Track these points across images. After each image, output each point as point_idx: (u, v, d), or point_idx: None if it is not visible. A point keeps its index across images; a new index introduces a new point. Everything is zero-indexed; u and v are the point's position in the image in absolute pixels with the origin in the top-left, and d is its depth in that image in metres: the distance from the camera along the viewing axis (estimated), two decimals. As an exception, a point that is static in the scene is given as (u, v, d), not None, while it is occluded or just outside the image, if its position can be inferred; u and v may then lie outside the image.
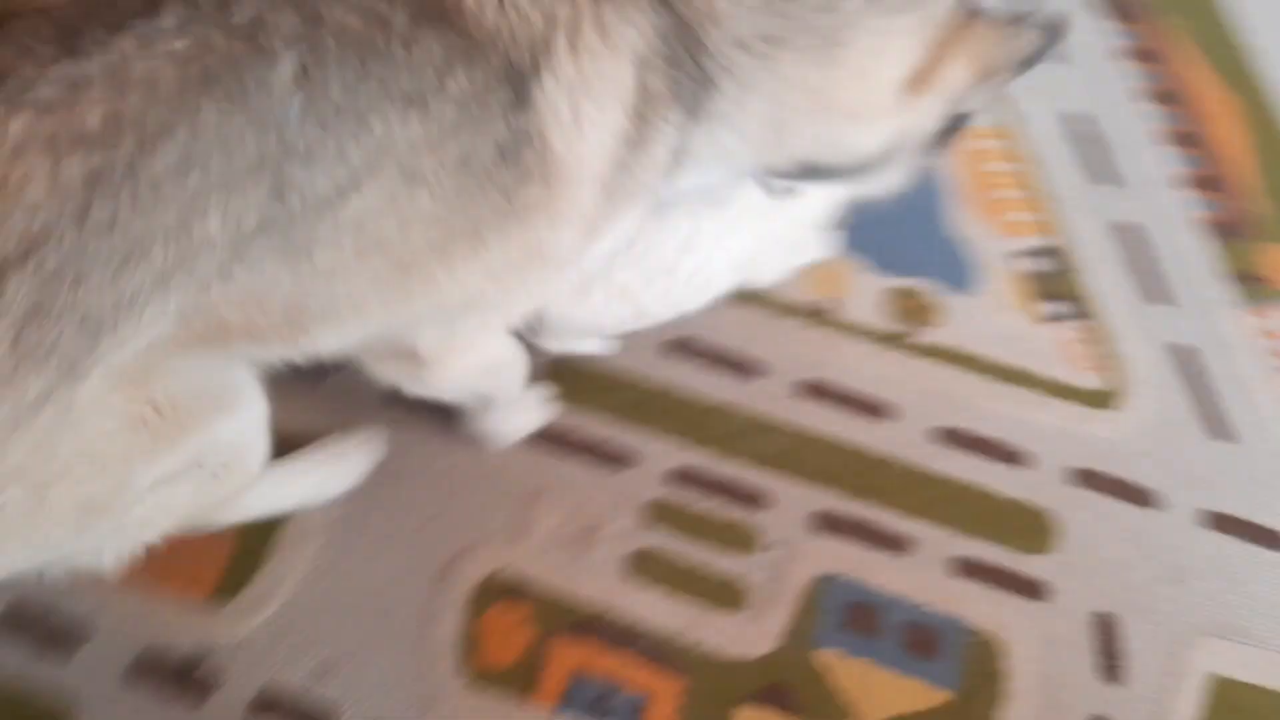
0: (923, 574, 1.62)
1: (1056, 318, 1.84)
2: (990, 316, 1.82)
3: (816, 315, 1.77)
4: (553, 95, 1.08)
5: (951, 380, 1.76)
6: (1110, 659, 1.60)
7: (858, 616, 1.58)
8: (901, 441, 1.71)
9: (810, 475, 1.66)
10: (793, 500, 1.64)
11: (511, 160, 1.09)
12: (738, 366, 1.72)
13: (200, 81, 0.92)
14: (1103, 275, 1.89)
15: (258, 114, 0.94)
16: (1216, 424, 1.80)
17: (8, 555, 1.10)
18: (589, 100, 1.09)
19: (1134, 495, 1.72)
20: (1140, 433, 1.77)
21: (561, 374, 1.67)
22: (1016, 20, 1.27)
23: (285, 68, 0.95)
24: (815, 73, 1.22)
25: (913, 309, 1.80)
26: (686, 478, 1.64)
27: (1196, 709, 1.58)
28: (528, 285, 1.25)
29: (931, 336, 1.79)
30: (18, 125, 0.86)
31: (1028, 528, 1.68)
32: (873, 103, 1.27)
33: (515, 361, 1.48)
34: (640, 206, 1.29)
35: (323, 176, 0.99)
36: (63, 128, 0.87)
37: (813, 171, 1.36)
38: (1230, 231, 1.97)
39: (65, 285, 0.88)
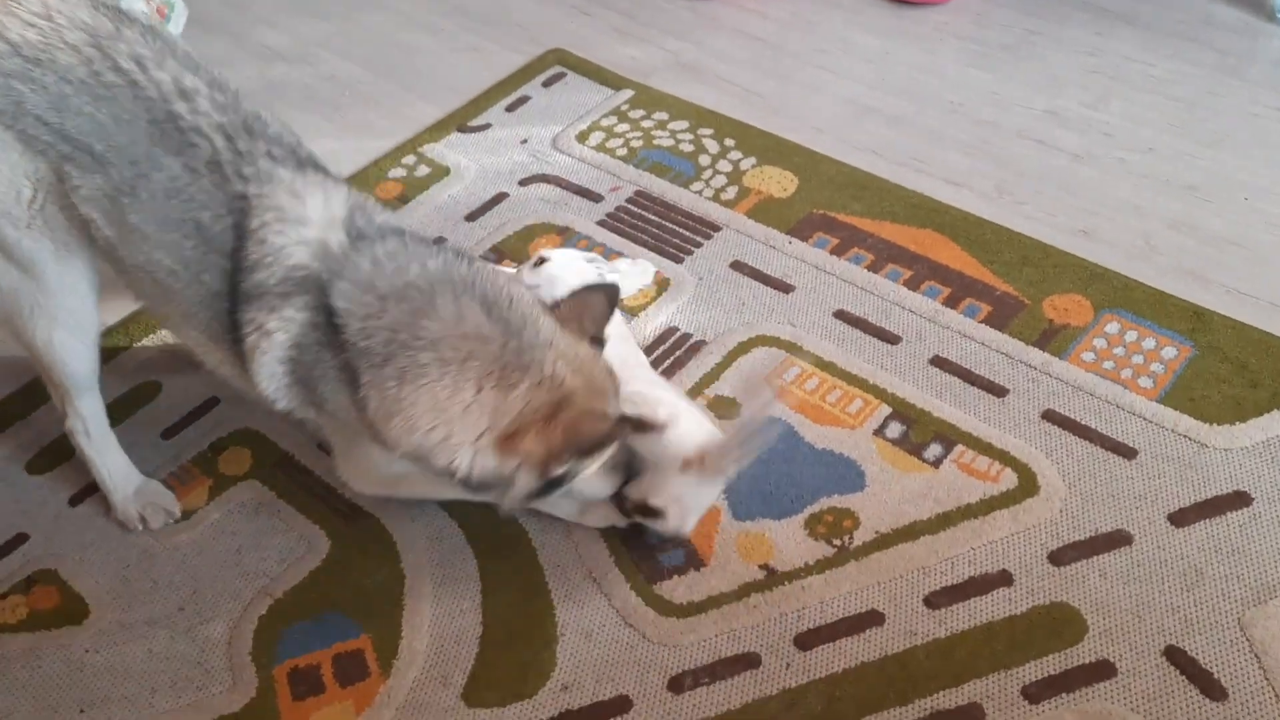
0: (1010, 722, 1.64)
1: (939, 457, 1.98)
2: (894, 489, 1.94)
3: (767, 582, 1.83)
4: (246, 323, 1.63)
5: (905, 557, 1.85)
6: (1203, 680, 1.64)
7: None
8: (903, 631, 1.76)
9: (859, 710, 1.66)
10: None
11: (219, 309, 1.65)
12: (738, 662, 1.73)
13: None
14: (946, 403, 2.07)
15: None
16: (1120, 448, 1.96)
17: None
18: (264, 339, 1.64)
19: (1107, 543, 1.83)
20: (1070, 496, 1.91)
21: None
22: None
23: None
24: (411, 390, 1.59)
25: (834, 525, 1.89)
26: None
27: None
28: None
29: (863, 536, 1.88)
30: None
31: (1056, 625, 1.74)
32: (451, 432, 1.59)
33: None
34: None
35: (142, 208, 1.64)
36: None
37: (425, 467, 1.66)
38: (1006, 314, 2.22)
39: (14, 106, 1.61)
